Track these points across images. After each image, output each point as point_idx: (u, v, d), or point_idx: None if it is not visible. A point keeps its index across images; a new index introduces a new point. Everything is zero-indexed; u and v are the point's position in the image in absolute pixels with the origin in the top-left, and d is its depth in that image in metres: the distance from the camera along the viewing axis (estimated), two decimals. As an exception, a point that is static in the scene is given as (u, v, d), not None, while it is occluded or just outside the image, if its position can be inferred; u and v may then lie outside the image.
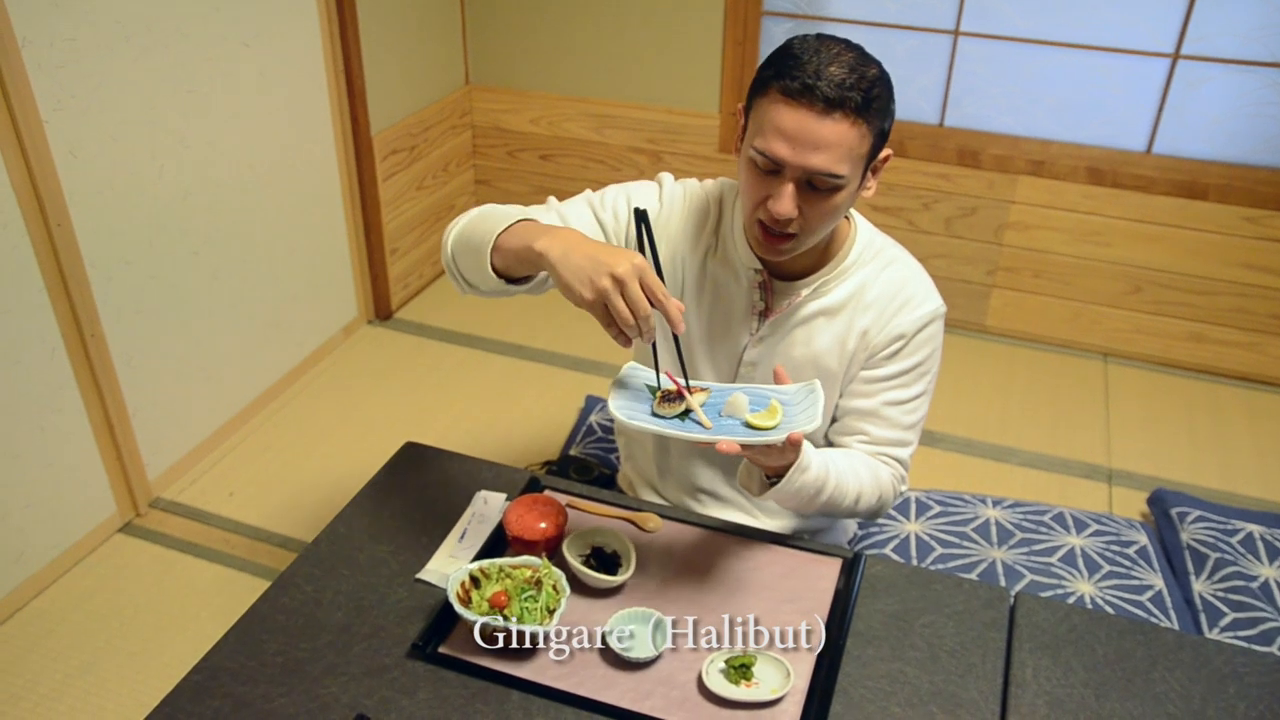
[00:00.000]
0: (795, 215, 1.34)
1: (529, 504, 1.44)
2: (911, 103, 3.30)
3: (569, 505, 1.53)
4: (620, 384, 1.35)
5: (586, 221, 1.52)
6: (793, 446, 1.26)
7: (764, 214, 1.37)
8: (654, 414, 1.29)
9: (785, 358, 1.54)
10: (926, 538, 2.21)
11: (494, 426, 2.92)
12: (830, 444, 1.61)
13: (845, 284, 1.51)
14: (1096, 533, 2.29)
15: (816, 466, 1.39)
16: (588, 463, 2.23)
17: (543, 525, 1.41)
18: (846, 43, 1.34)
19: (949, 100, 3.26)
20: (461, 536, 1.48)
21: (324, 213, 3.14)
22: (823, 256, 1.51)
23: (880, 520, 2.23)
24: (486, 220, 1.39)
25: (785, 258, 1.43)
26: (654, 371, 1.36)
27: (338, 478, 2.70)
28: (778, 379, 1.34)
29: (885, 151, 1.40)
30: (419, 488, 1.59)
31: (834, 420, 1.60)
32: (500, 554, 1.44)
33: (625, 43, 3.44)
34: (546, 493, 1.56)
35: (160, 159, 2.47)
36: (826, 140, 1.29)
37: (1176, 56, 3.00)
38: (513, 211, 1.40)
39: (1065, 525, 2.31)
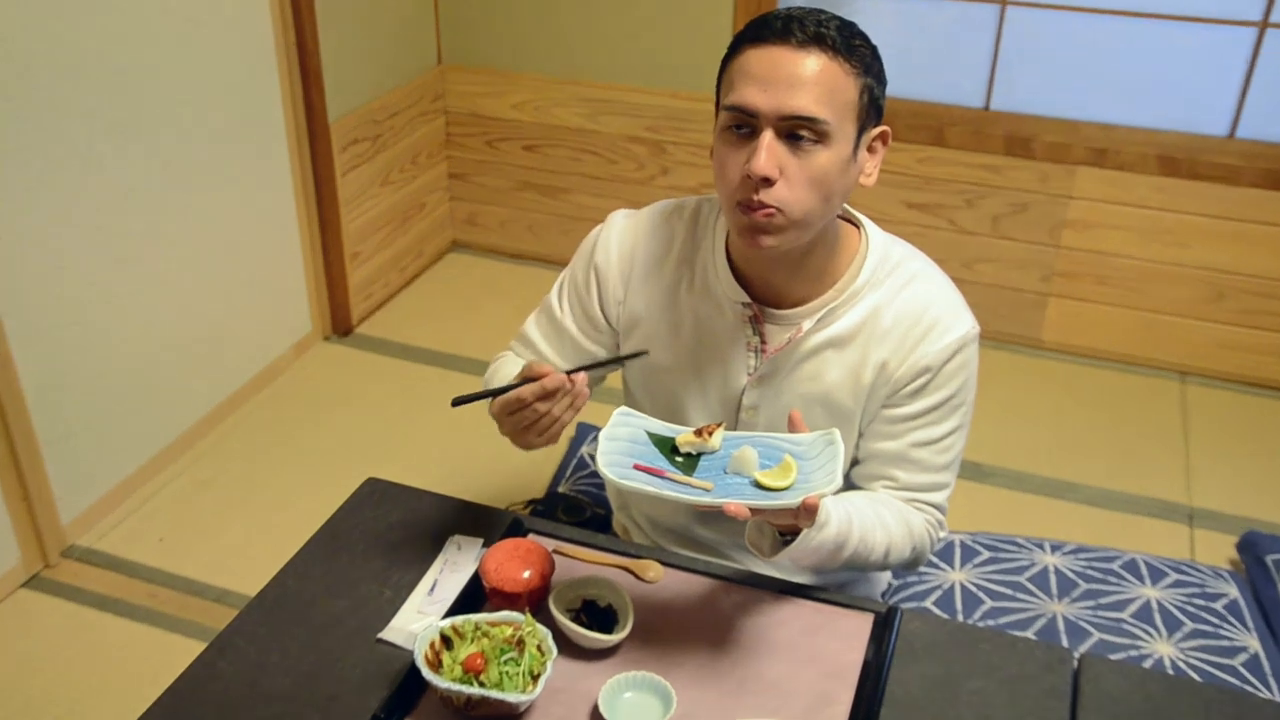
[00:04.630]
0: (775, 174, 1.34)
1: (510, 550, 1.43)
2: (952, 83, 3.31)
3: (556, 551, 1.53)
4: (611, 435, 1.34)
5: (570, 346, 1.64)
6: (808, 510, 1.25)
7: (742, 190, 1.36)
8: (670, 463, 1.32)
9: (791, 398, 1.53)
10: (974, 588, 2.20)
11: (470, 459, 2.91)
12: (853, 486, 1.60)
13: (856, 310, 1.49)
14: (1176, 583, 2.28)
15: (837, 520, 1.38)
16: (579, 502, 2.22)
17: (526, 575, 1.40)
18: (828, 12, 1.39)
19: (995, 80, 3.27)
20: (431, 589, 1.47)
21: (273, 211, 3.14)
22: (825, 278, 1.50)
23: (919, 568, 2.22)
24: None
25: (774, 244, 1.39)
26: (647, 418, 1.38)
27: (287, 520, 2.69)
28: (793, 425, 1.35)
29: (881, 126, 1.42)
30: (382, 531, 1.58)
31: (855, 463, 1.59)
32: (476, 609, 1.43)
33: (623, 17, 3.45)
34: (530, 537, 1.55)
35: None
36: (803, 77, 1.32)
37: (1265, 25, 3.01)
38: (505, 367, 1.63)
39: (1138, 574, 2.29)
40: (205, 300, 2.93)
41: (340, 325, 3.48)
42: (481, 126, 3.79)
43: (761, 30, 1.36)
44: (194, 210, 2.83)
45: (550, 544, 1.55)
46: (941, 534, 1.59)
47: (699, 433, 1.35)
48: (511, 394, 1.37)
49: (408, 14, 3.52)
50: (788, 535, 1.36)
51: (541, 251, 3.92)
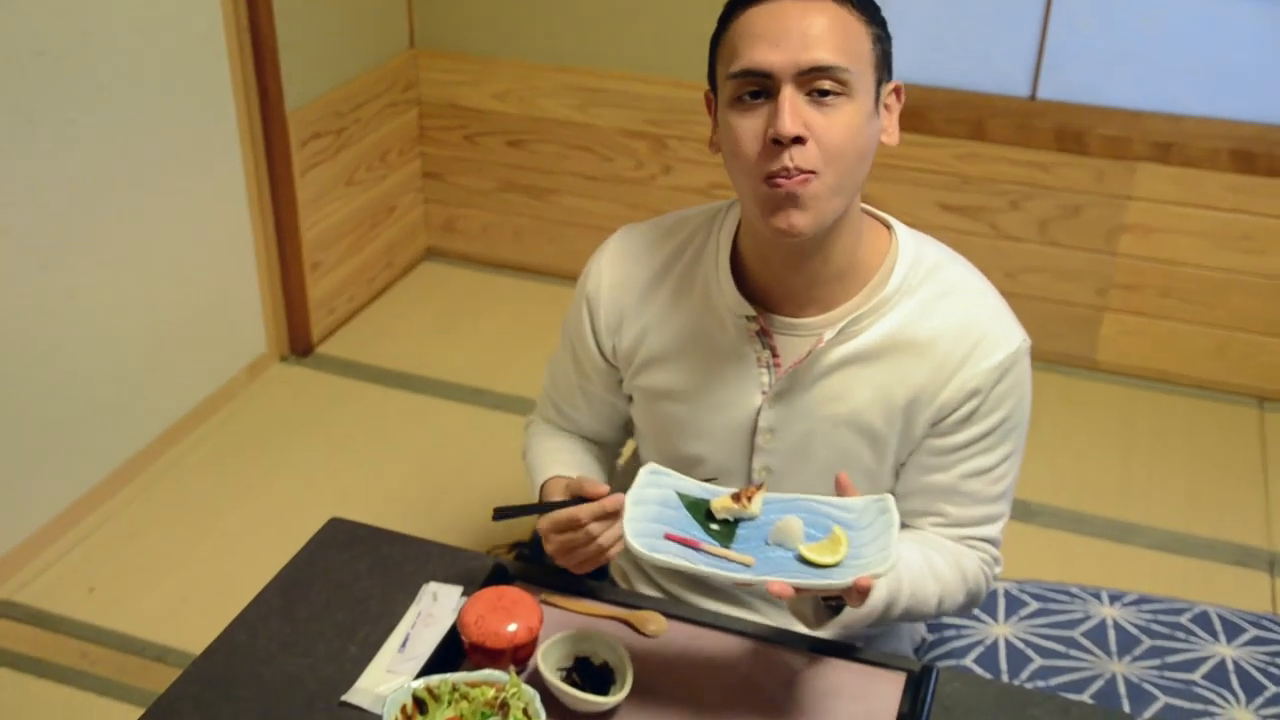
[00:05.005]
0: (804, 131, 1.35)
1: (492, 600, 1.43)
2: (994, 69, 3.32)
3: (545, 601, 1.53)
4: (638, 498, 1.35)
5: (595, 394, 1.72)
6: (861, 593, 1.28)
7: (769, 160, 1.37)
8: (705, 531, 1.34)
9: (814, 421, 1.54)
10: (1020, 644, 2.20)
11: (447, 497, 2.91)
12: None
13: (885, 321, 1.50)
14: (1255, 640, 2.27)
15: (887, 581, 1.41)
16: (571, 545, 2.22)
17: (511, 628, 1.40)
18: None
19: (1043, 65, 3.28)
20: (403, 644, 1.47)
21: (222, 215, 3.16)
22: (850, 279, 1.51)
23: (955, 621, 2.22)
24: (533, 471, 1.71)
25: (808, 224, 1.39)
26: (680, 476, 1.42)
27: (238, 567, 2.69)
28: (840, 488, 1.37)
29: (894, 82, 1.47)
30: (346, 580, 1.58)
31: (896, 493, 1.60)
32: (455, 667, 1.43)
33: (619, -8, 3.48)
34: (516, 584, 1.56)
35: None
36: (816, 27, 1.36)
37: (1346, 5, 3.02)
38: (543, 456, 1.71)
39: (1211, 629, 2.29)
40: (144, 317, 2.94)
41: (299, 344, 3.49)
42: (459, 119, 3.81)
43: None
44: (129, 213, 2.84)
45: (538, 593, 1.54)
46: (997, 569, 1.61)
47: (737, 497, 1.36)
48: (563, 514, 1.43)
49: (376, -9, 3.54)
50: (833, 602, 1.39)
51: (527, 260, 3.93)
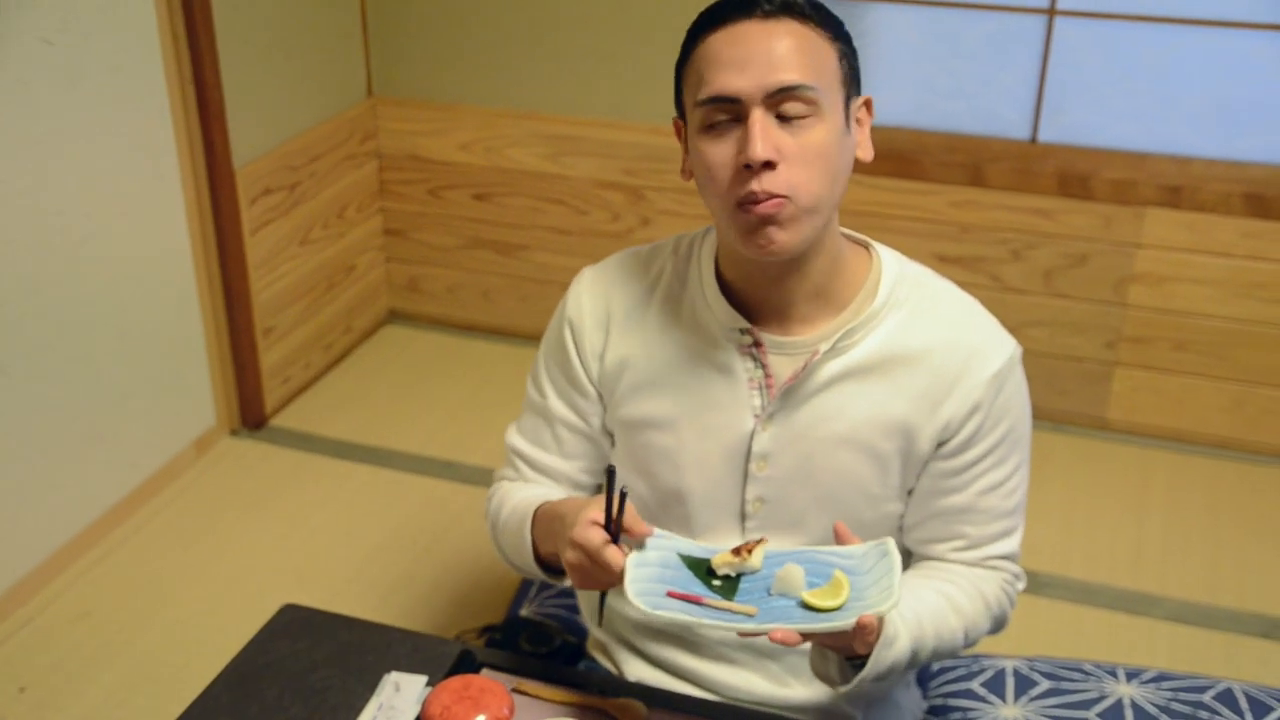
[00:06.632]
0: (775, 156, 1.42)
1: (459, 690, 1.43)
2: (991, 111, 3.36)
3: (516, 690, 1.52)
4: (639, 560, 1.40)
5: (567, 434, 1.73)
6: (865, 631, 1.32)
7: (741, 185, 1.44)
8: (706, 587, 1.39)
9: (811, 443, 1.58)
10: (1034, 727, 2.19)
11: (411, 578, 2.91)
12: (910, 550, 1.67)
13: (877, 334, 1.56)
14: (1281, 716, 2.27)
15: (907, 629, 1.45)
16: (545, 627, 2.22)
17: (479, 720, 1.40)
18: None
19: (1044, 106, 3.32)
20: (362, 740, 1.46)
21: (167, 279, 3.16)
22: (833, 299, 1.57)
23: (960, 703, 2.21)
24: (515, 537, 1.68)
25: (787, 241, 1.46)
26: (680, 539, 1.45)
27: (184, 659, 2.67)
28: (840, 538, 1.43)
29: (863, 95, 1.53)
30: (302, 670, 1.57)
31: (907, 516, 1.65)
32: (418, 764, 1.42)
33: (590, 37, 3.51)
34: (484, 672, 1.55)
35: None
36: (781, 48, 1.43)
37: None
38: (524, 513, 1.66)
39: (1236, 708, 2.29)
40: (84, 388, 2.94)
41: (251, 417, 3.49)
42: (422, 172, 3.83)
43: (721, 10, 1.47)
44: (64, 277, 2.84)
45: (509, 681, 1.54)
46: (1019, 585, 1.68)
47: (738, 551, 1.41)
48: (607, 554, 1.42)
49: (330, 36, 3.57)
50: (857, 659, 1.42)
51: (497, 322, 3.94)
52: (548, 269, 3.80)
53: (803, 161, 1.43)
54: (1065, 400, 3.49)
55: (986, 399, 1.56)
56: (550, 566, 1.64)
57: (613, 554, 1.38)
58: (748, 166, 1.42)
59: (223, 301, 3.35)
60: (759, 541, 1.42)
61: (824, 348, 1.54)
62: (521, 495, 1.71)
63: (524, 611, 2.44)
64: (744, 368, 1.58)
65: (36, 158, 2.70)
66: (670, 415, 1.62)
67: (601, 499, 1.42)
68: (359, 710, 1.51)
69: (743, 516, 1.63)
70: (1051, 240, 3.34)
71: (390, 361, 3.86)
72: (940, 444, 1.58)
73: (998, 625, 1.66)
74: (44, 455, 2.85)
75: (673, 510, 1.66)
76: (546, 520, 1.60)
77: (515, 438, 1.79)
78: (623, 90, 3.52)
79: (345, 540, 3.05)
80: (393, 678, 1.55)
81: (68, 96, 2.76)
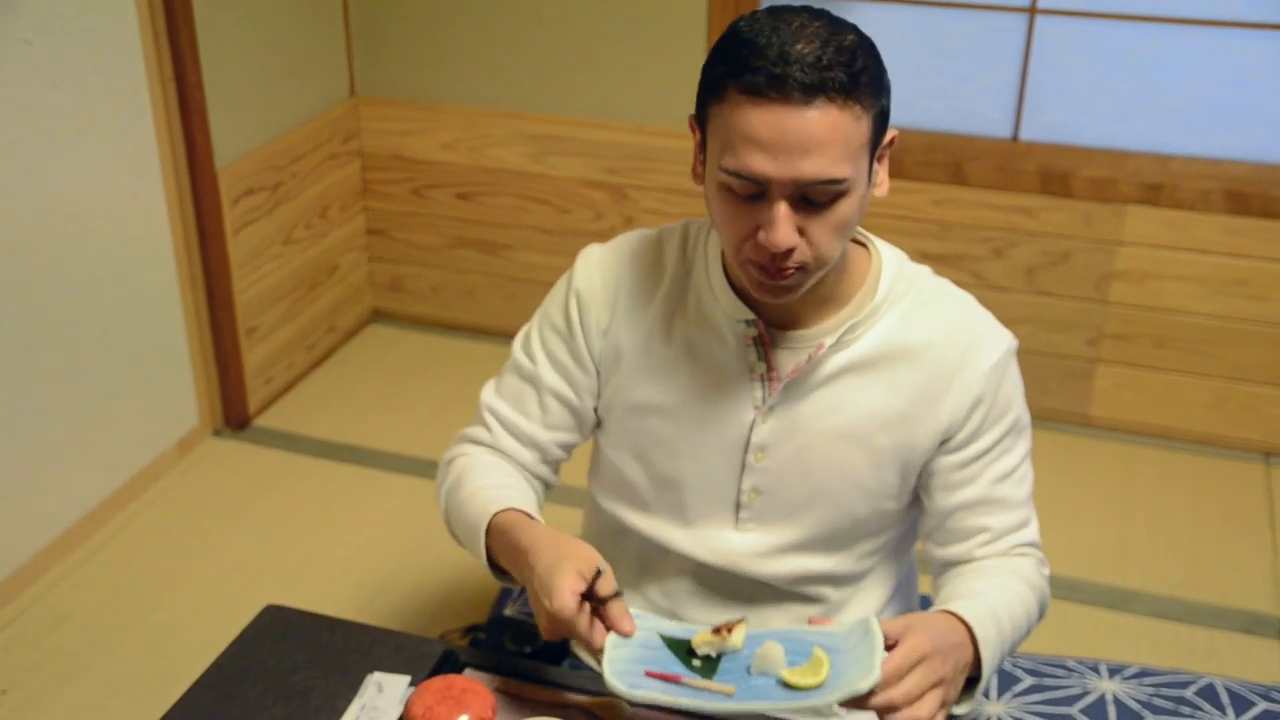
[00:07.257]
0: (797, 242, 1.40)
1: (441, 690, 1.43)
2: (973, 110, 3.37)
3: (500, 690, 1.52)
4: (617, 641, 1.40)
5: (554, 403, 1.69)
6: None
7: (756, 252, 1.43)
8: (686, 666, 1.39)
9: (810, 436, 1.59)
10: (1018, 724, 2.20)
11: (395, 578, 2.90)
12: (939, 561, 1.68)
13: (877, 329, 1.57)
14: (1265, 714, 2.28)
15: (987, 626, 1.46)
16: (529, 627, 2.22)
17: (461, 720, 1.40)
18: (808, 9, 1.41)
19: (1025, 104, 3.33)
20: (344, 740, 1.46)
21: (148, 279, 3.15)
22: (837, 300, 1.57)
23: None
24: (468, 531, 1.62)
25: (797, 296, 1.49)
26: (660, 619, 1.46)
27: (165, 661, 2.67)
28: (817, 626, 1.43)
29: (890, 133, 1.48)
30: (284, 671, 1.57)
31: (926, 524, 1.67)
32: (401, 764, 1.42)
33: (575, 37, 3.51)
34: (467, 672, 1.55)
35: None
36: (815, 138, 1.36)
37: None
38: (480, 511, 1.59)
39: (1218, 703, 2.30)
40: (65, 389, 2.93)
41: (234, 417, 3.48)
42: (405, 171, 3.83)
43: (754, 81, 1.36)
44: (46, 278, 2.83)
45: (492, 681, 1.54)
46: (1046, 571, 1.69)
47: (718, 631, 1.41)
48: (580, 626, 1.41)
49: (312, 35, 3.56)
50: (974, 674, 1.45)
51: (481, 321, 3.94)
52: (532, 268, 3.80)
53: (822, 236, 1.42)
54: (1048, 397, 3.50)
55: (988, 391, 1.58)
56: (505, 571, 1.60)
57: (596, 634, 1.39)
58: (766, 247, 1.40)
59: (205, 302, 3.34)
60: (739, 621, 1.42)
61: (829, 342, 1.55)
62: (480, 483, 1.64)
63: (508, 611, 2.44)
64: (747, 359, 1.58)
65: (17, 159, 2.70)
66: (671, 402, 1.63)
67: (578, 558, 1.39)
68: (342, 711, 1.50)
69: (737, 506, 1.64)
70: (1033, 238, 3.35)
71: (374, 361, 3.85)
72: (945, 439, 1.59)
73: (1043, 609, 1.66)
74: (25, 456, 2.84)
75: (666, 497, 1.67)
76: (506, 540, 1.54)
77: (494, 399, 1.73)
78: (606, 90, 3.52)
79: (328, 541, 3.04)
80: (375, 678, 1.54)
81: (48, 97, 2.75)
